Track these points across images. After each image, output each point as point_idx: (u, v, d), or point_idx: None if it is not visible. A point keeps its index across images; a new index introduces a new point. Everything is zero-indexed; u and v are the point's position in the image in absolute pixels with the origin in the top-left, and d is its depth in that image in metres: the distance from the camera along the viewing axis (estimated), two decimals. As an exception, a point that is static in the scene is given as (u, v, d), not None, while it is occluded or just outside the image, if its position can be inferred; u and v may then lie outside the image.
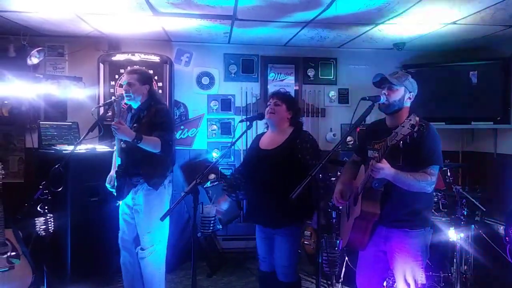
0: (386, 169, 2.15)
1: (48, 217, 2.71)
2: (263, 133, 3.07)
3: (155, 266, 3.12)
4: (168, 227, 3.20)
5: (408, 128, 1.97)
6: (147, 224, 3.03)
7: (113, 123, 2.80)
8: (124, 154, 2.97)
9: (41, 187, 2.62)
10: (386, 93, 2.36)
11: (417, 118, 1.98)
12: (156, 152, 2.91)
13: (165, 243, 3.18)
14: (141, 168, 2.97)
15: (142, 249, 3.07)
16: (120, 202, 3.16)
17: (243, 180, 2.97)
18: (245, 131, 2.79)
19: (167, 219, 3.12)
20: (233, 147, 4.89)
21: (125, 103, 3.13)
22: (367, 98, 2.38)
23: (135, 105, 3.09)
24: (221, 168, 5.00)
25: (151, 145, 2.88)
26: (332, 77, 5.20)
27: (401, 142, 2.02)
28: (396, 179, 2.20)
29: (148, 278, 3.12)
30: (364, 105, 2.37)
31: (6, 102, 4.34)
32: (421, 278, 2.37)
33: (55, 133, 4.05)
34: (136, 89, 3.02)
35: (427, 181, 2.25)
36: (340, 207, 2.58)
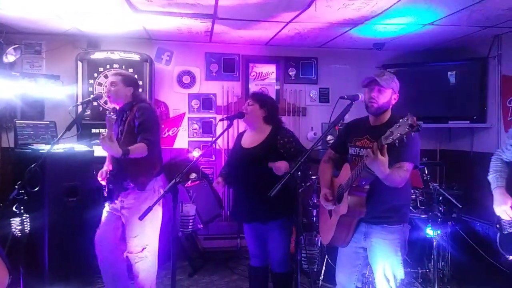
0: (381, 163, 2.08)
1: (24, 218, 2.65)
2: (243, 132, 3.11)
3: (146, 272, 3.06)
4: (158, 231, 3.12)
5: (406, 128, 1.93)
6: (134, 228, 2.96)
7: (101, 136, 2.72)
8: (114, 160, 2.93)
9: (16, 187, 2.57)
10: (376, 96, 2.37)
11: (414, 118, 1.94)
12: (144, 155, 2.88)
13: (155, 248, 3.11)
14: (128, 170, 2.92)
15: (129, 252, 3.02)
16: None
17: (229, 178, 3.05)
18: (225, 130, 2.79)
19: (159, 225, 3.09)
20: (214, 146, 4.94)
21: (105, 103, 3.09)
22: (346, 97, 2.41)
23: (117, 107, 3.04)
24: (202, 167, 4.98)
25: (138, 153, 2.83)
26: (313, 76, 5.24)
27: (397, 141, 1.98)
28: (388, 175, 2.15)
29: (139, 284, 3.08)
30: (343, 104, 2.40)
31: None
32: (400, 273, 2.41)
33: (32, 133, 3.96)
34: (118, 89, 2.97)
35: (405, 177, 2.27)
36: (325, 206, 2.58)
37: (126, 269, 3.19)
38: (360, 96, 2.40)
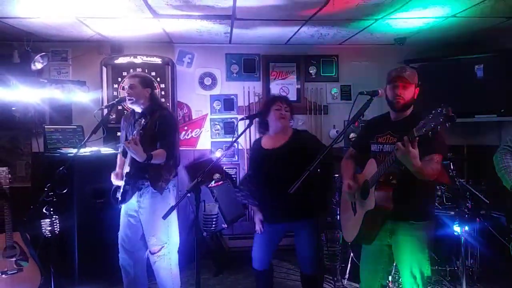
0: (413, 156, 2.05)
1: (53, 219, 2.75)
2: (259, 139, 3.08)
3: (166, 270, 3.12)
4: (177, 229, 3.20)
5: (441, 118, 1.88)
6: (152, 227, 3.04)
7: (127, 141, 2.80)
8: (134, 162, 2.98)
9: (46, 189, 2.66)
10: (402, 93, 2.34)
11: (450, 108, 1.89)
12: (162, 162, 2.97)
13: (175, 246, 3.18)
14: (148, 173, 3.00)
15: (151, 252, 3.09)
16: (122, 206, 3.16)
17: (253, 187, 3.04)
18: (246, 129, 2.81)
19: (175, 221, 3.15)
20: (236, 146, 4.97)
21: (128, 106, 3.17)
22: (365, 92, 2.39)
23: (138, 109, 3.12)
24: (225, 168, 5.02)
25: (159, 159, 2.93)
26: (334, 74, 5.21)
27: (430, 132, 1.94)
28: (420, 168, 2.11)
29: (162, 283, 3.15)
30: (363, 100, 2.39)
31: (13, 108, 4.41)
32: (427, 270, 2.37)
33: (60, 137, 4.09)
34: (137, 92, 3.05)
35: (438, 169, 2.23)
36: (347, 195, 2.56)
37: (146, 270, 3.26)
38: (380, 91, 2.38)
